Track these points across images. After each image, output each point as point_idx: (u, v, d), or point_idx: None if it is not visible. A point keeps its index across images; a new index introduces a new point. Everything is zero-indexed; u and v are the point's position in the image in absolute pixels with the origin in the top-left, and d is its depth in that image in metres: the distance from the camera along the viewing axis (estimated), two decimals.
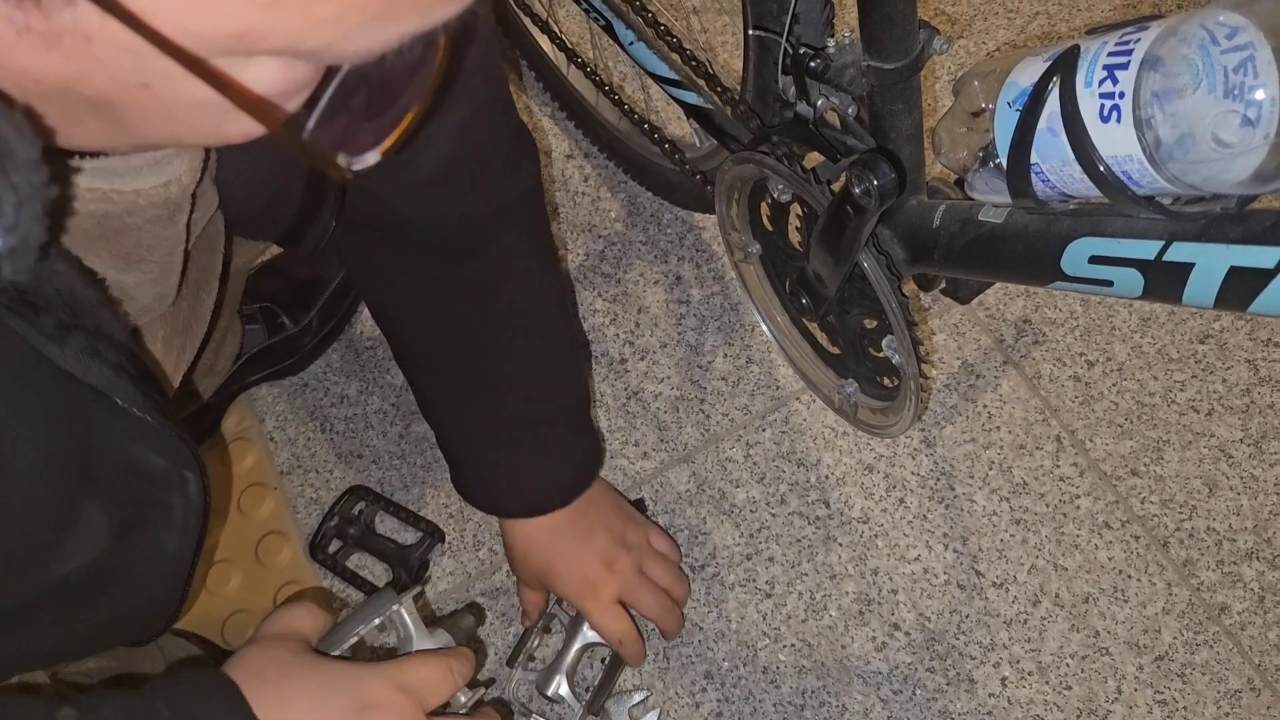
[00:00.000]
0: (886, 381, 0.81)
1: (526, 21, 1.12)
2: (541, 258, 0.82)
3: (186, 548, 0.60)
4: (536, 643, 1.05)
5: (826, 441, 1.11)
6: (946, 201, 0.73)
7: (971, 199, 0.68)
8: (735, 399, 1.14)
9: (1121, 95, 0.48)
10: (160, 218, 0.49)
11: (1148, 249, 0.55)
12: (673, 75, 0.85)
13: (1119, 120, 0.49)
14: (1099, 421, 1.08)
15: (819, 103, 0.70)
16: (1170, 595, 1.01)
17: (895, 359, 0.74)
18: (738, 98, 0.80)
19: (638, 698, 1.02)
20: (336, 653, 0.71)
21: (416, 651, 0.72)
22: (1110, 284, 0.59)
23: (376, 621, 0.74)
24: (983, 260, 0.69)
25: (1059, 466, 1.07)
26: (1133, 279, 0.57)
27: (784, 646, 1.03)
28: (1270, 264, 0.49)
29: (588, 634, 1.02)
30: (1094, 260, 0.60)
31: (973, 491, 1.07)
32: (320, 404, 1.20)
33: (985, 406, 1.10)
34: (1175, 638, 0.99)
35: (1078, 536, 1.04)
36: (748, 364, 1.15)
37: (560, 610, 1.05)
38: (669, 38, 0.82)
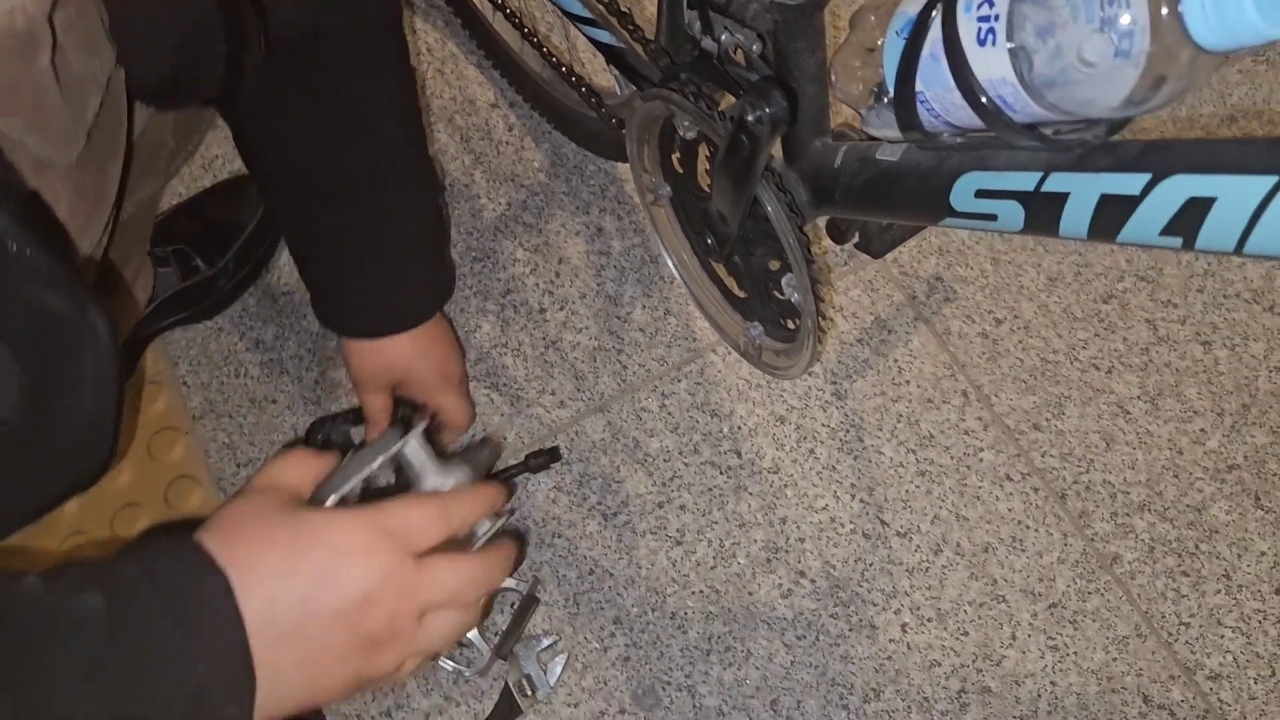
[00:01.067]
0: (789, 324, 0.82)
1: None
2: (411, 94, 0.85)
3: (107, 401, 0.57)
4: None
5: (740, 393, 1.12)
6: (848, 143, 0.74)
7: (870, 138, 0.69)
8: (652, 350, 1.15)
9: (997, 18, 0.49)
10: (12, 51, 0.47)
11: (1028, 180, 0.57)
12: (586, 14, 0.85)
13: (994, 43, 0.50)
14: (1004, 377, 1.10)
15: (723, 38, 0.71)
16: (1065, 545, 1.04)
17: (794, 298, 0.75)
18: (650, 36, 0.81)
19: (546, 642, 1.03)
20: (338, 496, 0.64)
21: (404, 495, 0.64)
22: (995, 218, 0.61)
23: (382, 459, 0.66)
24: (879, 199, 0.70)
25: (964, 420, 1.09)
26: (1014, 211, 0.59)
27: (692, 593, 1.04)
28: (1136, 190, 0.50)
29: None
30: (979, 194, 0.61)
31: (881, 443, 1.09)
32: (235, 349, 1.18)
33: (896, 361, 1.12)
34: (1069, 586, 1.02)
35: (980, 488, 1.06)
36: (665, 316, 1.16)
37: None
38: None
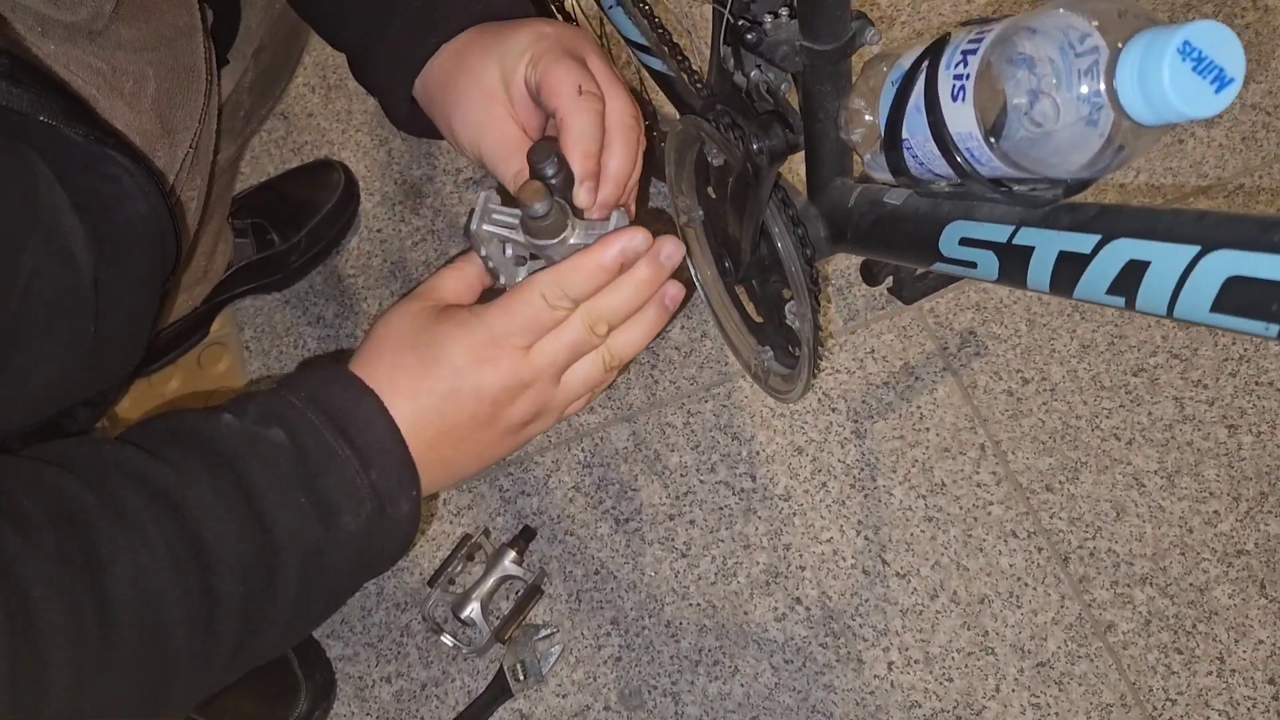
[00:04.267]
0: (794, 350, 0.86)
1: None
2: None
3: (158, 206, 0.66)
4: (459, 568, 1.10)
5: (763, 421, 1.15)
6: (863, 185, 0.78)
7: (878, 183, 0.73)
8: (685, 369, 1.19)
9: (968, 77, 0.53)
10: None
11: (1002, 233, 0.60)
12: (643, 41, 0.90)
13: (964, 99, 0.53)
14: (1024, 436, 1.12)
15: (753, 74, 0.75)
16: (1062, 607, 1.04)
17: (795, 324, 0.79)
18: (697, 68, 0.86)
19: (544, 632, 1.08)
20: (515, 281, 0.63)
21: (509, 292, 0.60)
22: (974, 265, 0.64)
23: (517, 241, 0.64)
24: (882, 240, 0.74)
25: (978, 473, 1.11)
26: (990, 261, 0.62)
27: (690, 605, 1.08)
28: (1088, 249, 0.53)
29: (507, 566, 1.08)
30: (963, 242, 0.64)
31: (893, 485, 1.11)
32: (297, 322, 1.26)
33: (919, 408, 1.14)
34: (1059, 648, 1.03)
35: (984, 541, 1.08)
36: (702, 339, 1.20)
37: (486, 541, 1.11)
38: (642, 3, 0.87)
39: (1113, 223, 0.52)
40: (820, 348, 0.77)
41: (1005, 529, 1.08)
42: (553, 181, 0.63)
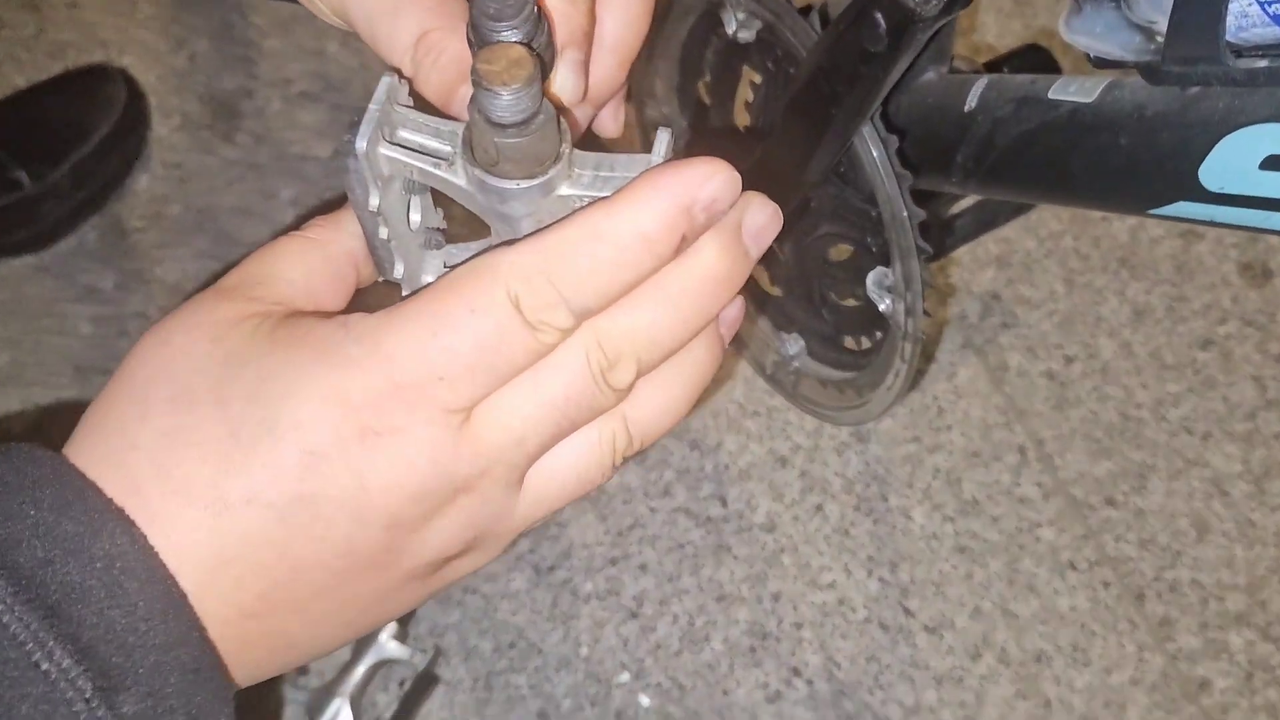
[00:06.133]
0: (850, 342, 0.56)
1: None
2: None
3: None
4: None
5: (731, 420, 0.87)
6: (987, 76, 0.48)
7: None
8: None
9: None
10: None
11: None
12: None
13: None
14: (1073, 433, 0.87)
15: None
16: (1141, 662, 0.80)
17: (883, 305, 0.48)
18: None
19: None
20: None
21: (417, 295, 0.29)
22: None
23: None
24: (1049, 161, 0.44)
25: (1019, 485, 0.85)
26: None
27: (648, 685, 0.80)
28: None
29: (384, 645, 0.79)
30: (1271, 164, 0.35)
31: (910, 505, 0.85)
32: (61, 296, 0.95)
33: (935, 398, 0.88)
34: (1144, 717, 0.78)
35: (1035, 576, 0.82)
36: None
37: None
38: None
39: None
40: (922, 339, 0.47)
41: (1061, 559, 0.83)
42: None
